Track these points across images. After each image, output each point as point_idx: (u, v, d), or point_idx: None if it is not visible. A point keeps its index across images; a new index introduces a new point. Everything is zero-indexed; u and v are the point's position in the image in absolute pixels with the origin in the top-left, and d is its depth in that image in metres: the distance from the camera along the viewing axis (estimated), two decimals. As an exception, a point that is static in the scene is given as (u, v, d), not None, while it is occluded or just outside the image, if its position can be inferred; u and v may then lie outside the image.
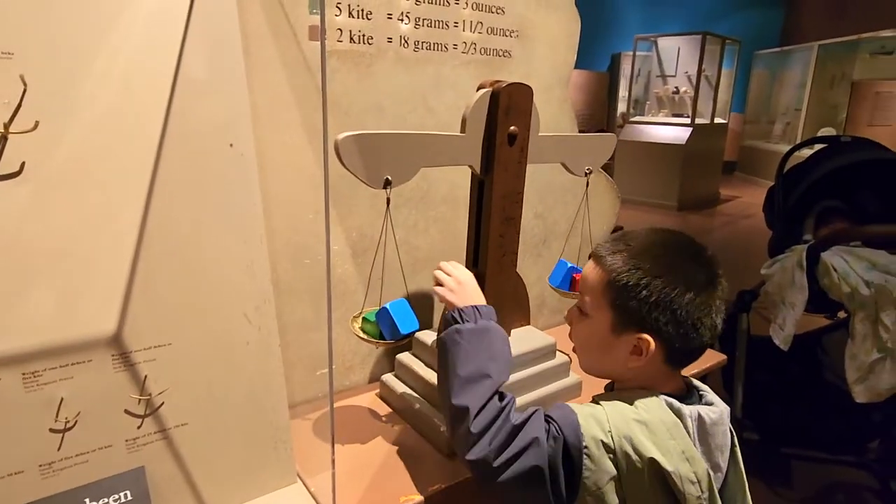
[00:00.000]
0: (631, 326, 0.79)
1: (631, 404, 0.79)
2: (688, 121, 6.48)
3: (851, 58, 6.91)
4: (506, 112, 1.13)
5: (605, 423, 0.76)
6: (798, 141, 7.30)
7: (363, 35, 1.17)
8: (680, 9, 8.32)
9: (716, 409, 0.82)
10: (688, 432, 0.77)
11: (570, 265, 1.31)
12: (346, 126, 1.20)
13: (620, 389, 0.87)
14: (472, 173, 1.19)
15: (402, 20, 1.21)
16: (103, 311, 0.83)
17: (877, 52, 6.56)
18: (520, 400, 1.26)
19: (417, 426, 1.23)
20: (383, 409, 1.30)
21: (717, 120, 6.85)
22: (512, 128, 1.14)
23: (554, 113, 1.48)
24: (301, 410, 1.25)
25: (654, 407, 0.78)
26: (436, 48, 1.28)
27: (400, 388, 1.29)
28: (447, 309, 0.95)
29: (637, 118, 7.17)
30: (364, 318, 1.09)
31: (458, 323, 0.91)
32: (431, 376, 1.24)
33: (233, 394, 0.95)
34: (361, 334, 1.07)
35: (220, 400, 0.93)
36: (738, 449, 0.85)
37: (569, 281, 1.31)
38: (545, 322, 1.71)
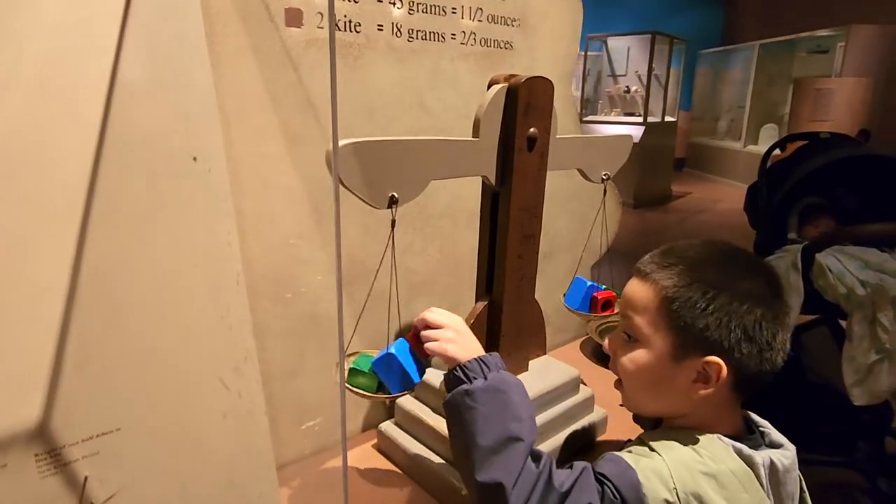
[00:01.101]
0: (695, 349, 0.68)
1: (689, 448, 0.67)
2: (640, 119, 6.55)
3: (790, 56, 7.18)
4: (525, 111, 0.95)
5: (668, 479, 0.64)
6: (743, 137, 7.55)
7: (349, 21, 0.97)
8: (626, 9, 8.43)
9: (787, 454, 0.71)
10: (760, 483, 0.66)
11: (589, 283, 1.15)
12: (329, 132, 1.00)
13: (672, 428, 0.74)
14: (485, 184, 1.00)
15: (393, 4, 1.01)
16: (20, 393, 0.60)
17: (813, 51, 6.84)
18: (545, 445, 1.09)
19: (428, 486, 1.04)
20: (384, 466, 1.10)
21: (668, 118, 6.96)
22: (531, 129, 0.97)
23: (558, 112, 1.32)
24: (286, 475, 1.03)
25: (722, 455, 0.66)
26: (432, 38, 1.08)
27: (403, 438, 1.10)
28: (448, 365, 0.78)
29: (590, 117, 7.20)
30: (352, 370, 0.86)
31: (466, 382, 0.74)
32: (442, 425, 1.05)
33: (207, 484, 0.72)
34: (356, 390, 0.84)
35: (190, 495, 0.71)
36: (807, 495, 0.75)
37: (589, 301, 1.14)
38: (549, 343, 1.54)
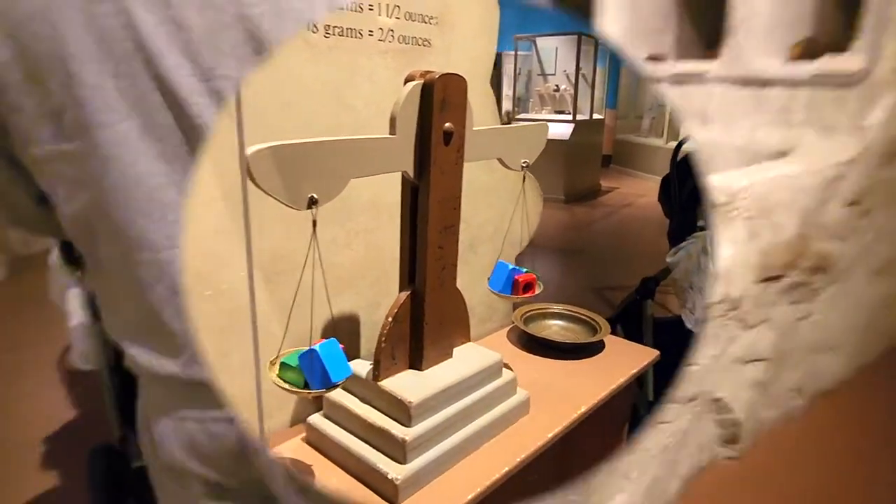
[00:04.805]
0: None
1: None
2: (569, 117, 6.78)
3: (704, 58, 7.63)
4: (441, 107, 0.99)
5: None
6: (664, 134, 7.97)
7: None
8: (552, 9, 8.69)
9: None
10: None
11: (511, 267, 1.21)
12: (244, 126, 0.99)
13: None
14: (404, 178, 1.04)
15: (308, -1, 1.02)
16: None
17: (724, 53, 7.31)
18: (469, 428, 1.13)
19: (358, 474, 1.06)
20: (315, 458, 1.11)
21: (596, 115, 7.25)
22: (447, 124, 1.01)
23: (477, 109, 1.36)
24: (211, 475, 1.02)
25: None
26: (349, 34, 1.10)
27: (332, 430, 1.11)
28: None
29: (522, 115, 7.40)
30: (282, 364, 0.90)
31: None
32: (369, 413, 1.07)
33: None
34: (283, 384, 0.88)
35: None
36: None
37: (511, 284, 1.20)
38: (475, 332, 1.59)
